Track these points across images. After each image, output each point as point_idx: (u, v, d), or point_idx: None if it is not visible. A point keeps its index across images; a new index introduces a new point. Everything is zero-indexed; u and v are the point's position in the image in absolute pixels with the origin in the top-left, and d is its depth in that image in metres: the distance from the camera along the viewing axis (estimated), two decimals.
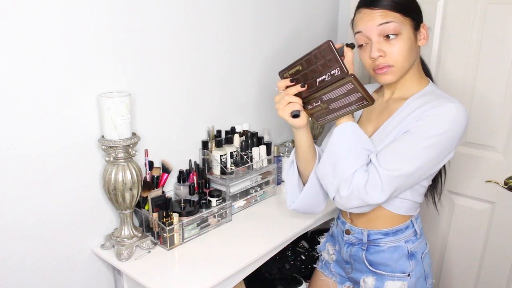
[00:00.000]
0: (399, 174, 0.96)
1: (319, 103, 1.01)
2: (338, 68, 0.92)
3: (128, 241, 1.17)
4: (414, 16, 1.02)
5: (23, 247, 1.08)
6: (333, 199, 1.04)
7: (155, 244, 1.23)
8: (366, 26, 1.00)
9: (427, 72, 1.15)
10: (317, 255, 1.38)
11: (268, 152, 1.57)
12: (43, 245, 1.12)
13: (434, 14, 1.59)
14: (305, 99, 1.02)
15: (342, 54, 1.01)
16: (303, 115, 1.04)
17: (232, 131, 1.55)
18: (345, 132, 1.01)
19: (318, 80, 0.97)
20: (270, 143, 1.58)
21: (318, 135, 1.87)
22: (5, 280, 1.06)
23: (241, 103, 1.61)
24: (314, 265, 1.39)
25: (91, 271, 1.24)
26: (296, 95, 1.01)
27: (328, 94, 0.97)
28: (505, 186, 1.53)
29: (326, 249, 1.32)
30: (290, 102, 1.01)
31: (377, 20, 0.98)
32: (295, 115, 1.01)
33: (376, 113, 1.14)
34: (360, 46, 1.04)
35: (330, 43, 0.91)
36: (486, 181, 1.58)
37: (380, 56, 1.00)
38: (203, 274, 1.10)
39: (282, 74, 1.04)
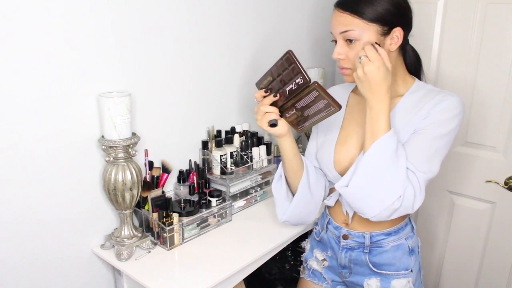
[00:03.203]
0: (432, 175, 0.99)
1: (294, 111, 1.03)
2: (301, 77, 0.95)
3: (128, 241, 1.17)
4: (385, 21, 0.98)
5: (23, 247, 1.08)
6: (371, 216, 0.99)
7: (155, 244, 1.23)
8: (334, 29, 1.03)
9: (415, 70, 1.13)
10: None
11: (268, 152, 1.57)
12: (43, 245, 1.12)
13: (434, 14, 1.59)
14: (282, 107, 1.05)
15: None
16: (282, 123, 1.07)
17: (232, 131, 1.55)
18: (388, 147, 0.96)
19: (287, 89, 1.00)
20: (270, 143, 1.58)
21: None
22: (5, 280, 1.06)
23: (241, 103, 1.61)
24: (300, 276, 1.33)
25: (91, 271, 1.24)
26: (272, 104, 1.05)
27: (300, 102, 1.00)
28: (505, 186, 1.53)
29: (314, 257, 1.28)
30: (266, 112, 1.04)
31: (339, 28, 1.01)
32: (272, 124, 1.05)
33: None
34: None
35: (290, 52, 0.95)
36: (486, 181, 1.58)
37: (341, 58, 1.03)
38: (203, 274, 1.10)
39: (259, 85, 1.08)
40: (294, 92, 0.99)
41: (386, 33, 1.00)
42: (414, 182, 0.96)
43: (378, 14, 0.98)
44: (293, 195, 1.18)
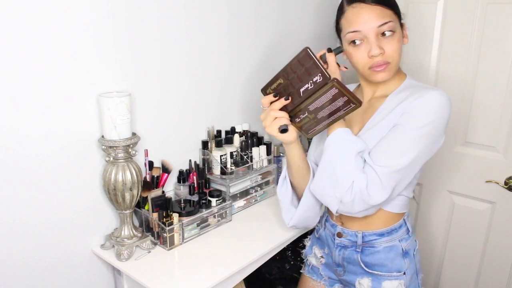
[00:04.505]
0: (396, 169, 0.96)
1: (306, 114, 0.98)
2: (320, 74, 0.89)
3: (128, 241, 1.17)
4: (400, 15, 1.04)
5: (23, 247, 1.08)
6: (336, 210, 1.03)
7: (155, 244, 1.23)
8: (366, 26, 0.98)
9: None
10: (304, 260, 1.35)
11: (268, 152, 1.57)
12: (43, 245, 1.12)
13: (434, 14, 1.59)
14: (291, 112, 1.00)
15: (325, 61, 1.00)
16: (292, 129, 1.02)
17: (232, 131, 1.55)
18: (336, 141, 1.00)
19: (301, 90, 0.94)
20: (270, 143, 1.58)
21: None
22: (5, 280, 1.06)
23: (241, 103, 1.61)
24: (301, 271, 1.36)
25: (91, 271, 1.24)
26: (281, 109, 0.99)
27: (314, 103, 0.94)
28: (505, 186, 1.53)
29: (313, 253, 1.29)
30: (276, 117, 0.99)
31: (377, 21, 0.98)
32: (284, 130, 0.99)
33: (359, 113, 1.13)
34: (352, 42, 1.02)
35: (308, 49, 0.89)
36: (486, 181, 1.58)
37: (380, 53, 0.99)
38: (203, 274, 1.10)
39: (265, 91, 1.02)
40: (309, 92, 0.93)
41: (401, 27, 1.04)
42: (370, 175, 0.96)
43: (397, 7, 1.01)
44: (298, 198, 1.17)
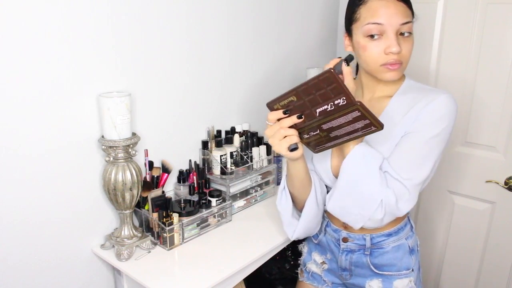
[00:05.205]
0: (422, 179, 0.98)
1: (318, 132, 0.93)
2: (344, 98, 0.84)
3: (128, 241, 1.17)
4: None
5: (23, 247, 1.08)
6: (359, 227, 1.02)
7: (155, 244, 1.23)
8: (390, 21, 0.94)
9: None
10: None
11: (268, 152, 1.57)
12: (43, 245, 1.12)
13: (434, 14, 1.59)
14: (300, 129, 0.95)
15: (340, 72, 0.92)
16: (300, 146, 0.96)
17: (232, 131, 1.55)
18: (357, 160, 0.97)
19: (318, 110, 0.88)
20: None
21: None
22: (5, 280, 1.06)
23: (241, 103, 1.61)
24: (299, 279, 1.33)
25: (91, 271, 1.24)
26: (290, 126, 0.93)
27: (330, 123, 0.89)
28: (505, 186, 1.53)
29: (313, 260, 1.27)
30: (286, 136, 0.93)
31: (401, 18, 0.95)
32: (293, 149, 0.94)
33: None
34: (370, 36, 0.97)
35: (333, 71, 0.83)
36: (486, 181, 1.58)
37: (399, 51, 0.96)
38: (203, 274, 1.10)
39: (272, 106, 0.94)
40: (328, 113, 0.87)
41: None
42: (398, 189, 0.96)
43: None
44: (297, 209, 1.15)
